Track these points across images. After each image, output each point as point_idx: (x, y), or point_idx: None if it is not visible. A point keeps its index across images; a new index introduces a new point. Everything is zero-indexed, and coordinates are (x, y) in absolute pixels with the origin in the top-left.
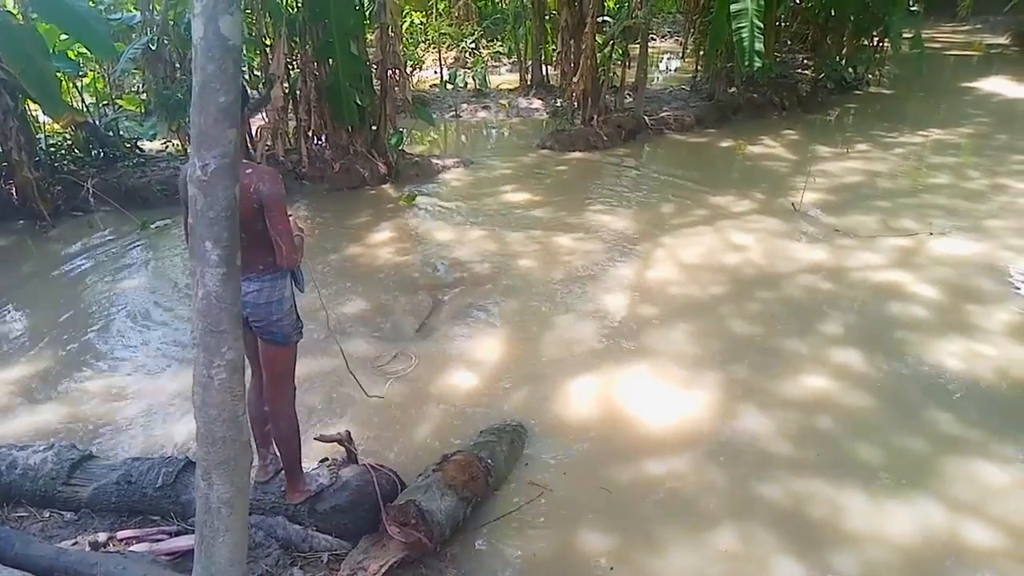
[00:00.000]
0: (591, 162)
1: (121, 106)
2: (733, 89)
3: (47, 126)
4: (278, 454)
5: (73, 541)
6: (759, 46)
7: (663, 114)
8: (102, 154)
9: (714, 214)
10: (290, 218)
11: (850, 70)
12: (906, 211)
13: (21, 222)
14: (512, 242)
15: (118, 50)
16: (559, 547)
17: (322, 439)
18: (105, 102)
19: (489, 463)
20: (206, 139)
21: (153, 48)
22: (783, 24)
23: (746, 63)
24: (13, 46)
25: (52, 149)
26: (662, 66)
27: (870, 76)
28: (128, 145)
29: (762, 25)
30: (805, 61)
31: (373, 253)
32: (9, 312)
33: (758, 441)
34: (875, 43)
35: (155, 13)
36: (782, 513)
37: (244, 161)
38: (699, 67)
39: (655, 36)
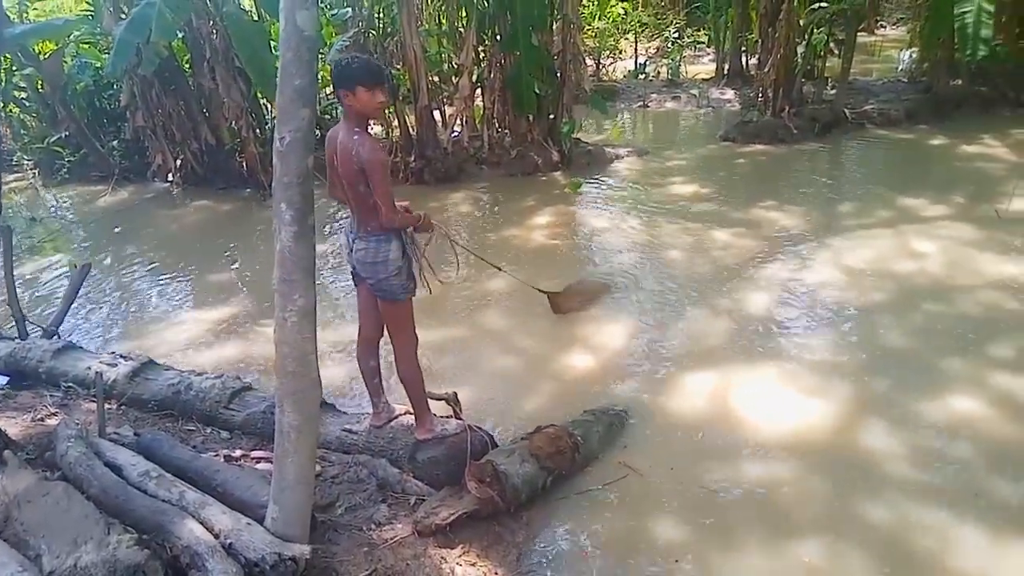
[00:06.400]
0: (773, 155)
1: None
2: (958, 81)
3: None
4: (389, 403)
5: (215, 453)
6: (986, 32)
7: (866, 107)
8: (318, 135)
9: (898, 217)
10: (404, 203)
11: None
12: None
13: (247, 191)
14: (665, 233)
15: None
16: (633, 530)
17: (431, 396)
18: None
19: (579, 440)
20: (284, 116)
21: (361, 41)
22: None
23: (968, 52)
24: (243, 39)
25: None
26: (887, 55)
27: None
28: None
29: (992, 9)
30: None
31: (527, 235)
32: (229, 264)
33: (877, 459)
34: None
35: (362, 8)
36: (882, 536)
37: (356, 130)
38: (913, 55)
39: (884, 23)
